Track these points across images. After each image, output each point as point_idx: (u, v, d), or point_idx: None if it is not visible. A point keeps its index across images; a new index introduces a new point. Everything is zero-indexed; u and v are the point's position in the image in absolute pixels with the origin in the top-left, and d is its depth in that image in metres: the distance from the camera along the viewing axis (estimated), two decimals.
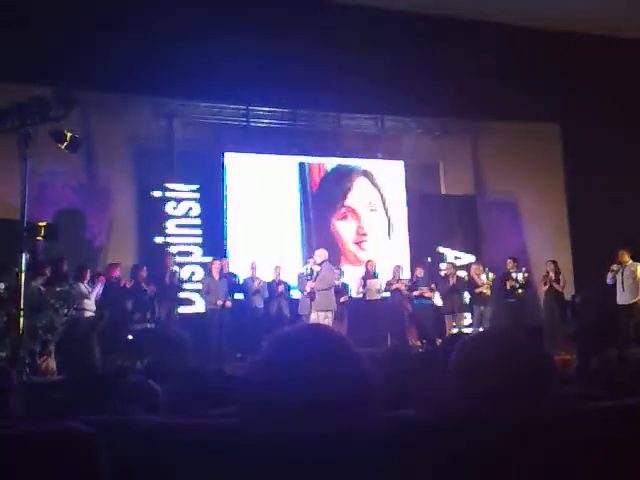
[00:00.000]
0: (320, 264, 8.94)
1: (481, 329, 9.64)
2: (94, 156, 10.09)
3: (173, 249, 9.95)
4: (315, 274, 8.89)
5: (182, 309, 9.66)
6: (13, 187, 7.46)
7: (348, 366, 1.18)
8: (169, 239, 10.08)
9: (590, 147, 11.44)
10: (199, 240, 10.23)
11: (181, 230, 10.18)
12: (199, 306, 9.78)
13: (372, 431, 1.14)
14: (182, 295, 9.81)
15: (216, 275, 9.25)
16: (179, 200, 10.27)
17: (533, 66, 10.95)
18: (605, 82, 11.01)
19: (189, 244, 10.18)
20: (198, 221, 10.26)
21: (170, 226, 10.13)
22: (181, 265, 9.84)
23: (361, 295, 9.98)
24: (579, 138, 11.88)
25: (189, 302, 9.92)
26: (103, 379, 3.03)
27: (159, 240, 10.07)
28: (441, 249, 11.21)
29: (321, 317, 8.77)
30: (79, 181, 10.03)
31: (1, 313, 6.81)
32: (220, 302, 9.11)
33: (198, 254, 10.18)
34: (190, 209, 10.26)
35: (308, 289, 8.86)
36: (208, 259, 9.74)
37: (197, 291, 9.85)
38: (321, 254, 9.08)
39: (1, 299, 6.94)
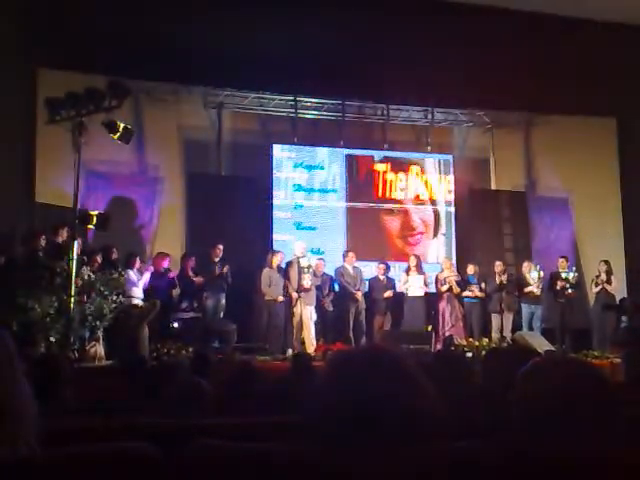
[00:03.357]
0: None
1: (533, 331, 9.47)
2: (144, 145, 10.22)
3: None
4: (312, 269, 9.05)
5: None
6: (67, 175, 7.66)
7: (409, 393, 1.14)
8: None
9: None
10: None
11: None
12: None
13: (436, 463, 1.10)
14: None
15: (275, 268, 9.12)
16: (227, 191, 10.30)
17: (589, 58, 10.58)
18: None
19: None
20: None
21: (218, 216, 10.16)
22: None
23: (405, 290, 9.83)
24: (636, 133, 11.48)
25: None
26: (152, 374, 3.06)
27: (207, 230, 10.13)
28: None
29: (312, 312, 8.95)
30: (130, 170, 10.18)
31: (52, 299, 6.96)
32: (282, 299, 8.96)
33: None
34: (239, 200, 10.27)
35: (309, 282, 8.91)
36: None
37: None
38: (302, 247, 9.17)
39: (53, 285, 7.11)
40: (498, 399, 2.29)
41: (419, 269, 9.87)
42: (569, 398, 1.30)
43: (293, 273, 8.95)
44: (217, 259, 9.23)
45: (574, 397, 1.30)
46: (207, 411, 2.39)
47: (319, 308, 9.28)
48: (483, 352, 7.38)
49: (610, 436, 1.27)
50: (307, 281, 8.94)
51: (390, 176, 11.13)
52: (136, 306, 7.96)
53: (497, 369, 2.47)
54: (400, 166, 11.23)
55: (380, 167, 11.14)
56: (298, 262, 8.98)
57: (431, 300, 9.87)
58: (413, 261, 9.93)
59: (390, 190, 11.09)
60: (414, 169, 11.25)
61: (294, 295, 8.88)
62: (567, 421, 1.27)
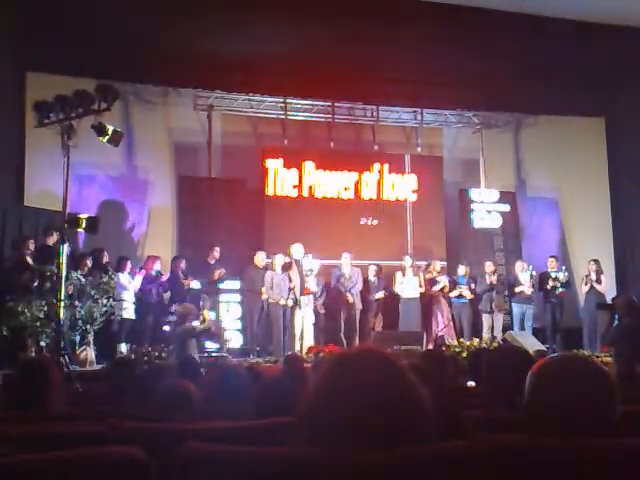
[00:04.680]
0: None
1: (524, 330, 9.51)
2: (134, 148, 10.20)
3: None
4: (314, 272, 9.16)
5: None
6: (57, 179, 7.62)
7: (402, 393, 1.15)
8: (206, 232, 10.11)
9: (636, 143, 11.10)
10: None
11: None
12: None
13: (435, 463, 1.11)
14: None
15: (279, 269, 9.08)
16: (217, 193, 10.29)
17: (578, 59, 10.64)
18: None
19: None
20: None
21: (209, 218, 10.15)
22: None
23: (400, 292, 9.81)
24: (625, 133, 11.56)
25: None
26: (139, 379, 3.06)
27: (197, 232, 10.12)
28: None
29: (311, 314, 9.07)
30: (120, 172, 10.16)
31: (42, 303, 6.94)
32: (284, 302, 8.90)
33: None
34: (229, 202, 10.26)
35: (316, 284, 9.07)
36: None
37: None
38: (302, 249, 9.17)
39: (42, 288, 7.08)
40: (487, 398, 2.31)
41: (414, 270, 9.85)
42: (585, 396, 1.33)
43: (294, 275, 8.95)
44: (213, 261, 9.22)
45: (589, 395, 1.34)
46: (195, 414, 2.39)
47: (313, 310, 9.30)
48: None
49: (611, 433, 1.30)
50: (312, 284, 8.98)
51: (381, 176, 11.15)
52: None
53: (486, 368, 2.49)
54: (391, 166, 11.23)
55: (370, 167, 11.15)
56: (299, 265, 8.99)
57: (422, 301, 9.86)
58: (408, 261, 9.87)
59: (380, 190, 11.11)
60: (403, 169, 11.27)
61: (293, 298, 8.94)
62: (581, 418, 1.30)
